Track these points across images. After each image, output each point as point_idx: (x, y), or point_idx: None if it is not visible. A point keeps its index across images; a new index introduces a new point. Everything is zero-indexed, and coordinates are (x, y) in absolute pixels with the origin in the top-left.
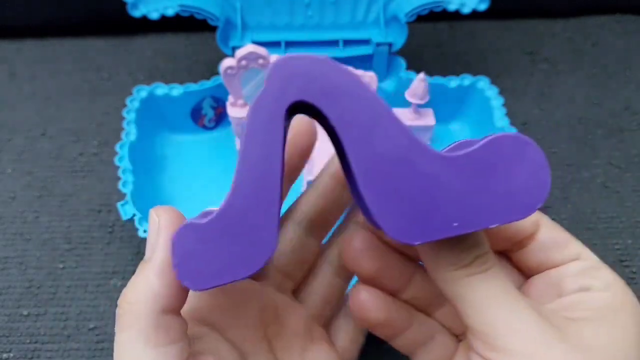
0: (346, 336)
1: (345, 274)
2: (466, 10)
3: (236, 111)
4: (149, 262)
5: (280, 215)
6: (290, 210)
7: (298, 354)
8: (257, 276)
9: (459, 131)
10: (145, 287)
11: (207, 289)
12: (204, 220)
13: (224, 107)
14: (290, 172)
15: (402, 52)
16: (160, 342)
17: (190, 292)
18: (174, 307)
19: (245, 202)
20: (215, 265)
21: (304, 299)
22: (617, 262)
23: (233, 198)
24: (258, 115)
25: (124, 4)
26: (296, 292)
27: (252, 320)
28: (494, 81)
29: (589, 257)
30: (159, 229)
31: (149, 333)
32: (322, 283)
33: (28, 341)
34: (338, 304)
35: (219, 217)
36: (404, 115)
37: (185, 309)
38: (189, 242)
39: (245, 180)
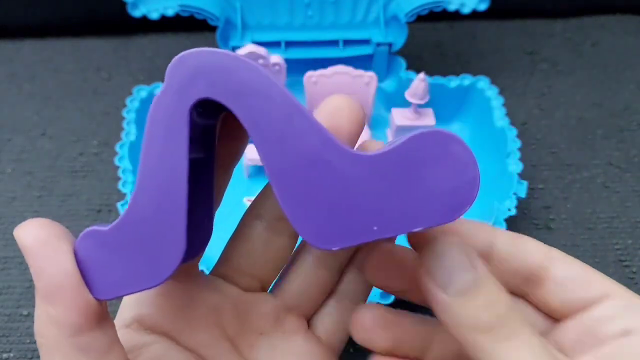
0: (330, 321)
1: (329, 263)
2: (466, 10)
3: None
4: (37, 291)
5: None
6: (255, 204)
7: (267, 350)
8: (219, 275)
9: (459, 131)
10: (45, 319)
11: (113, 298)
12: (107, 227)
13: None
14: (225, 162)
15: (402, 52)
16: None
17: (133, 300)
18: (83, 327)
19: (148, 210)
20: (120, 273)
21: (280, 290)
22: (617, 262)
23: (135, 204)
24: (157, 115)
25: (124, 3)
26: (275, 284)
27: (205, 323)
28: (494, 81)
29: (619, 294)
30: (24, 253)
31: None
32: (298, 273)
33: (28, 341)
34: (320, 295)
35: (122, 223)
36: (404, 115)
37: (127, 318)
38: (92, 249)
39: (147, 185)
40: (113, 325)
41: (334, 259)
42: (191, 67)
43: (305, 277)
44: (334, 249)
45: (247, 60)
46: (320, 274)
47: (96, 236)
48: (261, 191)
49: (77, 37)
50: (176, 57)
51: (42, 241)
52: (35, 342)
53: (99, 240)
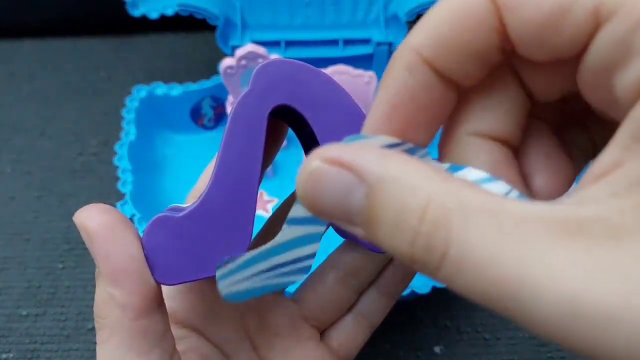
0: (344, 335)
1: (351, 283)
2: None
3: None
4: (99, 274)
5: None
6: (283, 208)
7: (281, 352)
8: None
9: None
10: (107, 301)
11: (177, 284)
12: (178, 215)
13: (223, 106)
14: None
15: None
16: (142, 350)
17: (167, 295)
18: (144, 310)
19: (222, 201)
20: (187, 261)
21: (300, 298)
22: None
23: (209, 195)
24: (241, 116)
25: (124, 3)
26: (297, 291)
27: (230, 320)
28: None
29: None
30: (89, 237)
31: (127, 342)
32: (320, 287)
33: (27, 341)
34: (337, 311)
35: (194, 213)
36: None
37: None
38: (161, 235)
39: (223, 179)
40: (167, 312)
41: (355, 280)
42: (273, 75)
43: (326, 292)
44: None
45: (323, 72)
46: (340, 292)
47: (166, 222)
48: (293, 194)
49: (77, 36)
50: (261, 64)
51: (107, 226)
52: (34, 343)
53: (169, 226)
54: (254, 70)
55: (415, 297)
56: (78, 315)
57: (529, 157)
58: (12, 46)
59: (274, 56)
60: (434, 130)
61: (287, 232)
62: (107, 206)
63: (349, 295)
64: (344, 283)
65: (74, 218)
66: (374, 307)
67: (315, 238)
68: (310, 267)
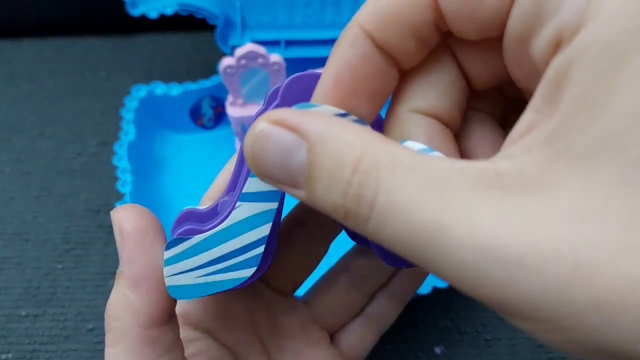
0: (354, 338)
1: (362, 287)
2: None
3: (236, 110)
4: (121, 276)
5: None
6: (298, 210)
7: (291, 355)
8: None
9: None
10: (123, 304)
11: (197, 297)
12: (201, 228)
13: (223, 106)
14: None
15: None
16: (148, 358)
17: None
18: (157, 321)
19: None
20: None
21: (311, 300)
22: None
23: (231, 211)
24: None
25: (123, 2)
26: (307, 293)
27: (242, 322)
28: None
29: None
30: (122, 237)
31: (135, 349)
32: (331, 290)
33: (27, 342)
34: (348, 314)
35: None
36: None
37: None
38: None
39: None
40: (178, 324)
41: (367, 283)
42: (303, 89)
43: (337, 295)
44: (403, 267)
45: None
46: (351, 295)
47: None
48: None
49: (76, 36)
50: (290, 78)
51: (141, 231)
52: (33, 343)
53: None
54: (284, 83)
55: (416, 298)
56: (77, 315)
57: (471, 141)
58: (12, 46)
59: (274, 56)
60: (376, 105)
61: (240, 210)
62: (145, 210)
63: (360, 298)
64: (355, 286)
65: (111, 213)
66: (383, 311)
67: (268, 217)
68: (260, 255)
